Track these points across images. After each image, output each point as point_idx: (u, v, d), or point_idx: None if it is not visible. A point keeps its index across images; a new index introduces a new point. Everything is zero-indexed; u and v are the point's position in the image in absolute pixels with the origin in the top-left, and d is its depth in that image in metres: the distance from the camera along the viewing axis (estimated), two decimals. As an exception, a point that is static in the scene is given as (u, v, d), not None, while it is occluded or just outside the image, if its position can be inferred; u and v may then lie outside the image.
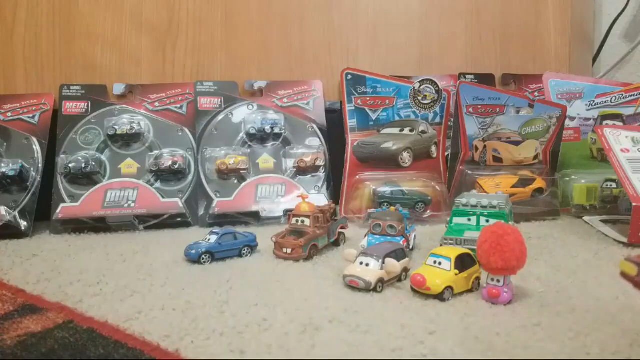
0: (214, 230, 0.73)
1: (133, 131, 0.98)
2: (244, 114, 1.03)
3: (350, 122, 1.03)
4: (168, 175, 0.97)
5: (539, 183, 0.94)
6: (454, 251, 0.57)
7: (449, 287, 0.54)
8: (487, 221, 0.69)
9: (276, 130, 1.01)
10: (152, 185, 0.96)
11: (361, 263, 0.58)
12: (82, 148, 0.97)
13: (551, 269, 0.64)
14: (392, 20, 1.13)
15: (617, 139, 0.86)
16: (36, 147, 0.96)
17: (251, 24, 1.09)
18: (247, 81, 1.06)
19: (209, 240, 0.72)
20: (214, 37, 1.08)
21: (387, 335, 0.45)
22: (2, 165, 0.91)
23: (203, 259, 0.69)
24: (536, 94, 1.14)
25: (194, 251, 0.70)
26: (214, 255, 0.70)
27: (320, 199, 0.94)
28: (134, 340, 0.46)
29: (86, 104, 1.00)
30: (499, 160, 0.99)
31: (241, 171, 0.98)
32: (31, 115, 0.98)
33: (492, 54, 1.16)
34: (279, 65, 1.09)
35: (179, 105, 1.03)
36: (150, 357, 0.37)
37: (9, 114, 0.98)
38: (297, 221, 0.74)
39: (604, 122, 1.04)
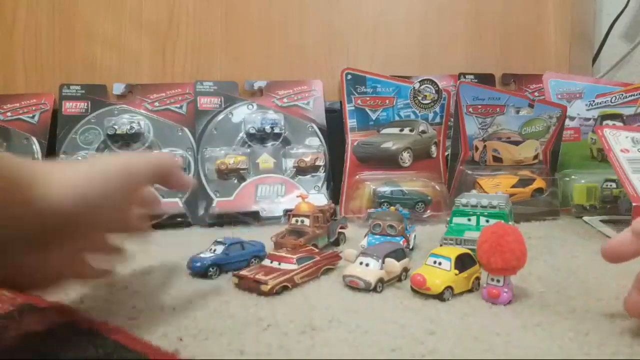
0: (219, 240, 0.67)
1: (133, 131, 0.98)
2: (243, 114, 1.03)
3: (350, 122, 1.03)
4: (168, 175, 0.97)
5: (539, 183, 0.94)
6: (454, 251, 0.57)
7: (449, 287, 0.54)
8: (487, 221, 0.69)
9: (276, 130, 1.01)
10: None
11: (361, 263, 0.58)
12: (82, 148, 0.97)
13: (551, 269, 0.64)
14: (392, 20, 1.13)
15: (617, 139, 0.85)
16: (36, 147, 0.96)
17: (251, 23, 1.09)
18: (247, 81, 1.06)
19: (214, 250, 0.65)
20: (214, 37, 1.08)
21: (387, 335, 0.45)
22: (2, 165, 0.91)
23: (210, 271, 0.62)
24: (536, 94, 1.14)
25: (199, 263, 0.62)
26: (222, 267, 0.63)
27: (320, 199, 0.94)
28: (133, 340, 0.45)
29: (86, 104, 1.00)
30: (499, 160, 0.99)
31: (241, 171, 0.98)
32: (31, 115, 0.98)
33: (492, 54, 1.16)
34: (279, 65, 1.09)
35: (178, 105, 1.03)
36: (149, 357, 0.37)
37: (9, 113, 0.98)
38: (296, 221, 0.74)
39: (604, 122, 1.04)
